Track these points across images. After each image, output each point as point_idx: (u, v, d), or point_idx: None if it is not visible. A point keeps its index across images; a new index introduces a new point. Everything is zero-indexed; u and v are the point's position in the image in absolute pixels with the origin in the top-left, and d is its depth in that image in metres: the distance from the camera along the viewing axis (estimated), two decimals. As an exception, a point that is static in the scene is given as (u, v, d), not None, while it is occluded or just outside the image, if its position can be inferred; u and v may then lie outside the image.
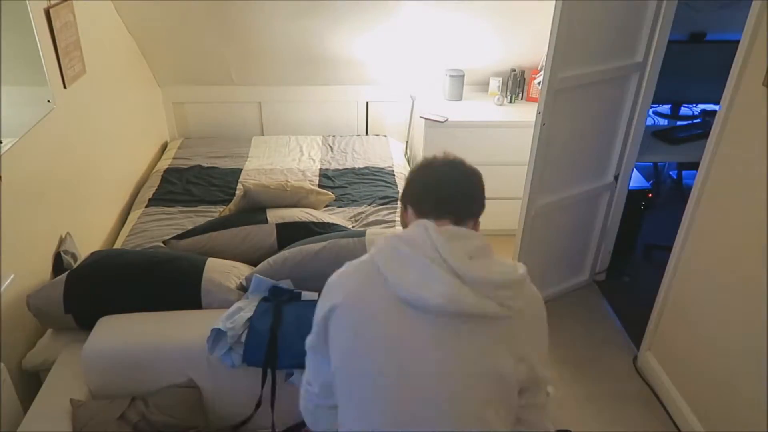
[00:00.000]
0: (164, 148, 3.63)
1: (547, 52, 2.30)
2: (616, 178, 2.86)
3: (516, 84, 3.47)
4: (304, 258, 1.90)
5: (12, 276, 1.91)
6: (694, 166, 2.23)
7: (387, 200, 2.92)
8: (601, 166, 2.81)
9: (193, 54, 3.38)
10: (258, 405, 1.74)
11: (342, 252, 1.90)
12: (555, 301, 3.03)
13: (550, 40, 2.26)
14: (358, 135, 3.76)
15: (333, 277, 1.18)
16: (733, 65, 1.99)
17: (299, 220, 2.23)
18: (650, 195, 3.20)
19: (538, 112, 2.39)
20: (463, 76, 3.45)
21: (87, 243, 2.47)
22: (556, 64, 2.29)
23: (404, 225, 1.24)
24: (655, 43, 2.55)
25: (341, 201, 2.91)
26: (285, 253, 1.96)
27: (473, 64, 3.52)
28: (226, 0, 3.05)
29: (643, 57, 2.57)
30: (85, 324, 1.85)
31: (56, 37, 2.24)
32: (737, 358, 2.02)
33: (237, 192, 2.93)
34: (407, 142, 3.77)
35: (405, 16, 3.19)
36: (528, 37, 3.34)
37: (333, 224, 2.36)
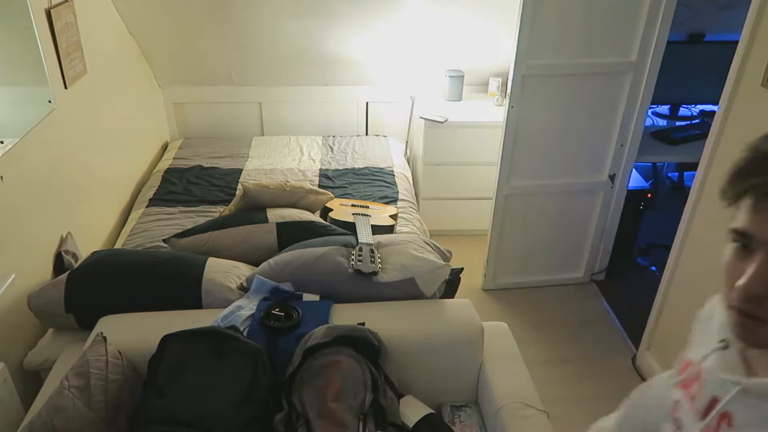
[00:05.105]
0: (165, 148, 3.63)
1: (517, 38, 2.47)
2: (611, 177, 2.86)
3: (515, 84, 3.47)
4: (305, 263, 1.90)
5: (13, 276, 1.91)
6: (695, 166, 2.24)
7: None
8: (593, 162, 2.85)
9: (193, 54, 3.39)
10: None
11: (341, 260, 1.91)
12: (549, 294, 3.07)
13: (517, 27, 2.45)
14: (358, 135, 3.76)
15: None
16: (732, 66, 2.00)
17: (300, 220, 2.23)
18: (649, 195, 3.21)
19: (508, 95, 2.59)
20: (463, 76, 3.45)
21: (88, 243, 2.48)
22: (521, 51, 2.49)
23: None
24: (654, 43, 2.56)
25: (341, 201, 2.91)
26: (286, 255, 1.96)
27: (473, 64, 3.53)
28: (226, 0, 3.05)
29: (638, 57, 2.59)
30: (86, 324, 1.85)
31: (57, 38, 2.24)
32: (736, 357, 2.03)
33: (237, 192, 2.94)
34: (407, 142, 3.78)
35: (405, 16, 3.20)
36: (527, 37, 3.35)
37: (333, 224, 2.36)
